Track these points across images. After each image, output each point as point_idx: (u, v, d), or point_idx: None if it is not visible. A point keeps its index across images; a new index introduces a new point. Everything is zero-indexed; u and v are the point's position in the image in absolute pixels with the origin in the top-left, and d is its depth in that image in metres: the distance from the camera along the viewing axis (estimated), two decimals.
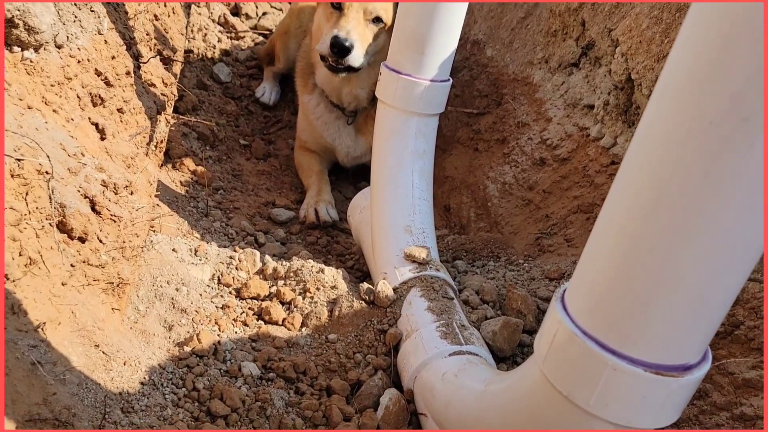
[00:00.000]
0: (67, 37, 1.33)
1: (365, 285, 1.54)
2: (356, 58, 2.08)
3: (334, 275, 1.61)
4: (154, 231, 1.64)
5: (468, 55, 2.53)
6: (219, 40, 3.13)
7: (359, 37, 2.07)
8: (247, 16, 3.40)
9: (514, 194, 2.05)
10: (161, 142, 2.04)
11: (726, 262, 0.73)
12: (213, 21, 3.20)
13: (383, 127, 1.75)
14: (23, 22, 1.15)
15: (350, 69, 2.11)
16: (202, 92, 2.76)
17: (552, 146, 1.97)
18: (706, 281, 0.75)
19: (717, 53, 0.65)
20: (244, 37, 3.26)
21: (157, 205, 1.79)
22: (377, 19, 2.14)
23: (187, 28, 2.71)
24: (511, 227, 2.00)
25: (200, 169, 2.19)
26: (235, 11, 3.38)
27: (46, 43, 1.22)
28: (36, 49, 1.21)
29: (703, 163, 0.67)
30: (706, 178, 0.68)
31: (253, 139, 2.66)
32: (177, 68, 2.42)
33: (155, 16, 2.19)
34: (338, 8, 2.12)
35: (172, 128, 2.18)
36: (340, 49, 2.04)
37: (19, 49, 1.18)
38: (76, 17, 1.39)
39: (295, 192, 2.43)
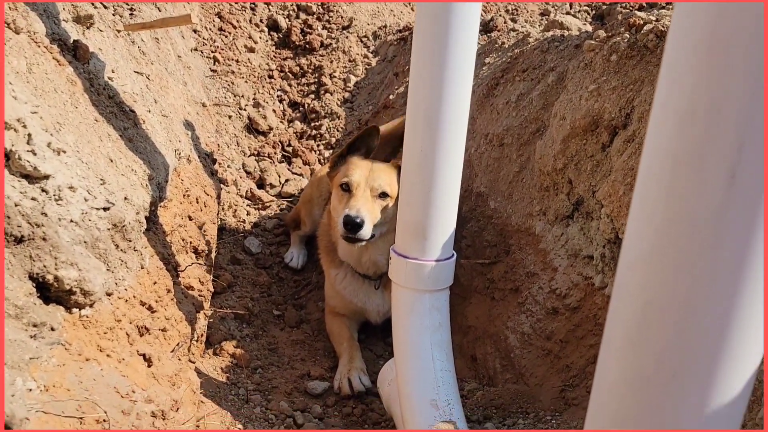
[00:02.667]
0: (116, 282, 1.55)
1: None
2: (366, 232, 2.28)
3: None
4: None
5: (474, 206, 2.72)
6: (248, 213, 3.43)
7: (368, 212, 2.29)
8: (271, 186, 3.72)
9: (533, 344, 2.13)
10: (201, 335, 2.22)
11: None
12: (241, 196, 3.51)
13: (399, 306, 1.91)
14: (80, 288, 1.37)
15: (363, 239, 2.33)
16: (236, 267, 3.00)
17: (561, 296, 2.08)
18: None
19: (639, 320, 0.78)
20: (270, 206, 3.56)
21: (202, 402, 1.94)
22: (383, 194, 2.38)
23: (218, 213, 3.00)
24: (536, 378, 2.07)
25: (239, 351, 2.35)
26: (260, 184, 3.71)
27: (99, 299, 1.43)
28: (91, 305, 1.43)
29: (649, 413, 0.78)
30: (653, 425, 0.78)
31: (285, 308, 2.84)
32: (212, 255, 2.67)
33: (189, 217, 2.47)
34: (347, 189, 2.37)
35: (210, 318, 2.38)
36: (352, 226, 2.25)
37: (78, 309, 1.39)
38: (122, 261, 1.62)
39: (328, 358, 2.56)
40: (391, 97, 3.98)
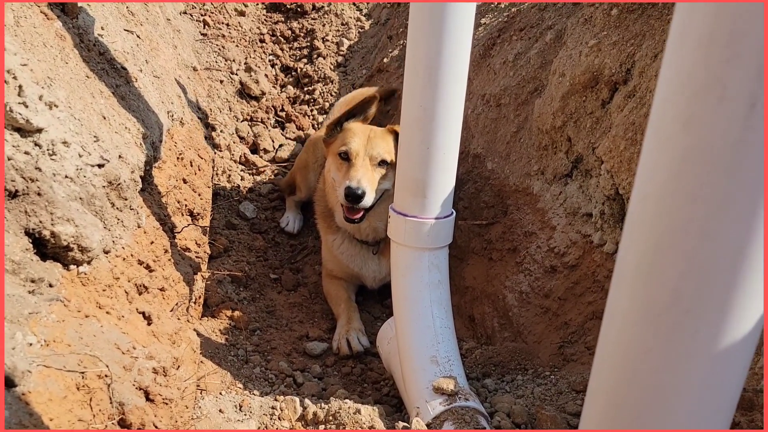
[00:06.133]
0: (113, 240, 1.53)
1: (401, 424, 1.62)
2: (368, 201, 2.28)
3: (370, 414, 1.70)
4: (200, 390, 1.78)
5: (471, 168, 2.70)
6: (242, 179, 3.39)
7: (369, 182, 2.27)
8: (265, 151, 3.68)
9: (532, 303, 2.14)
10: (199, 297, 2.21)
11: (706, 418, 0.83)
12: (235, 162, 3.47)
13: (398, 264, 1.90)
14: (77, 245, 1.35)
15: (364, 215, 2.31)
16: (232, 232, 2.98)
17: (560, 254, 2.08)
18: None
19: (653, 252, 0.78)
20: (264, 171, 3.52)
21: (202, 362, 1.93)
22: (383, 162, 2.35)
23: (212, 178, 2.96)
24: (534, 336, 2.08)
25: (237, 313, 2.35)
26: (254, 149, 3.67)
27: (97, 256, 1.41)
28: (89, 263, 1.40)
29: (661, 346, 0.78)
30: (665, 358, 0.78)
31: (282, 271, 2.84)
32: (207, 219, 2.64)
33: (183, 180, 2.43)
34: (346, 158, 2.34)
35: (208, 281, 2.36)
36: (353, 197, 2.24)
37: (75, 266, 1.37)
38: (118, 219, 1.59)
39: (326, 320, 2.57)
40: (385, 60, 3.92)
